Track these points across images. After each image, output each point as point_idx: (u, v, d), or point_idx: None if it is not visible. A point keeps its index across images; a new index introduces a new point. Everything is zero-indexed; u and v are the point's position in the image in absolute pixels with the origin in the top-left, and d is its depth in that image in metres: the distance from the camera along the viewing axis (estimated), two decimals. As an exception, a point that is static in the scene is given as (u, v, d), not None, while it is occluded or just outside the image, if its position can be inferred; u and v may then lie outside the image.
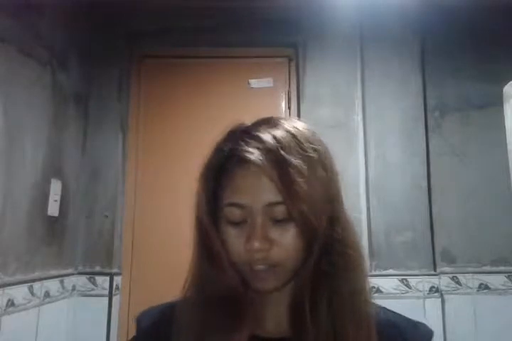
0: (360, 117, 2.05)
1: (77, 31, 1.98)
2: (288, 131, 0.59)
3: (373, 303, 0.63)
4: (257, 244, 0.55)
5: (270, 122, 0.61)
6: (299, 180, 0.55)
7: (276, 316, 0.63)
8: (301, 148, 0.58)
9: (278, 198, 0.55)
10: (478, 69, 2.07)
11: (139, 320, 0.69)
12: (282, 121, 0.62)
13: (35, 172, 1.61)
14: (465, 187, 1.99)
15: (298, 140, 0.58)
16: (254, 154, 0.55)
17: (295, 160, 0.56)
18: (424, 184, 1.98)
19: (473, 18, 2.05)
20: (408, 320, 0.64)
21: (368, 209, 1.96)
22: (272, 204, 0.56)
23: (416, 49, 2.09)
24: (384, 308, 0.65)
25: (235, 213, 0.58)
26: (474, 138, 2.04)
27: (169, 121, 2.12)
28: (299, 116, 2.07)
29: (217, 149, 0.61)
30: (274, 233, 0.56)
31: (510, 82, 2.04)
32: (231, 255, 0.58)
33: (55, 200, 1.73)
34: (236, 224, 0.58)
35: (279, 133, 0.58)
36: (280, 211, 0.56)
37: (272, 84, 2.14)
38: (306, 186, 0.55)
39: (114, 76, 2.09)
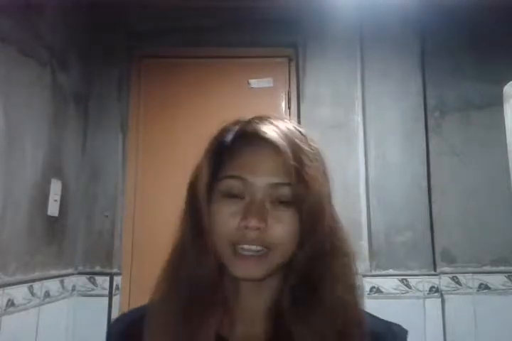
0: (360, 117, 2.05)
1: (77, 31, 1.97)
2: (295, 127, 0.60)
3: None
4: (253, 221, 0.52)
5: (278, 117, 0.62)
6: (311, 165, 0.55)
7: (250, 316, 0.59)
8: (307, 143, 0.58)
9: (285, 179, 0.54)
10: (478, 69, 2.07)
11: (110, 327, 0.67)
12: (285, 119, 0.62)
13: (35, 172, 1.61)
14: (465, 187, 1.99)
15: (304, 136, 0.59)
16: (271, 133, 0.55)
17: (307, 149, 0.56)
18: (424, 184, 1.98)
19: (473, 18, 2.05)
20: (386, 324, 0.62)
21: (368, 209, 1.96)
22: (277, 185, 0.54)
23: (416, 49, 2.09)
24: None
25: (235, 186, 0.55)
26: (474, 138, 2.03)
27: (169, 121, 2.12)
28: (299, 116, 2.07)
29: (225, 129, 0.60)
30: (273, 215, 0.54)
31: (510, 82, 2.04)
32: (218, 233, 0.55)
33: (55, 200, 1.73)
34: (232, 198, 0.55)
35: (288, 125, 0.59)
36: (285, 193, 0.54)
37: (271, 84, 2.14)
38: (315, 172, 0.55)
39: (114, 76, 2.09)
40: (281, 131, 0.56)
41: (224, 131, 0.60)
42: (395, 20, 2.08)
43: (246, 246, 0.53)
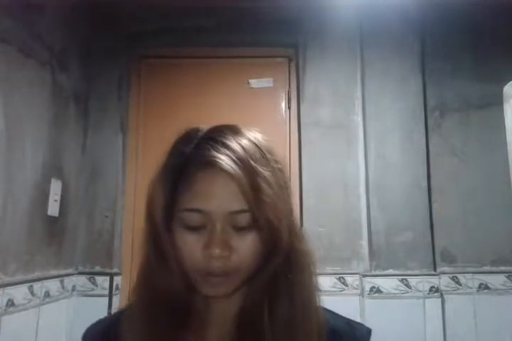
0: (360, 117, 2.05)
1: (77, 31, 1.97)
2: (252, 142, 0.58)
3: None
4: (217, 251, 0.54)
5: (233, 130, 0.60)
6: (267, 190, 0.55)
7: (220, 327, 0.62)
8: (266, 160, 0.58)
9: (243, 206, 0.55)
10: (478, 69, 2.07)
11: (85, 337, 0.68)
12: (243, 130, 0.61)
13: (35, 172, 1.61)
14: (465, 187, 1.99)
15: (262, 151, 0.58)
16: (224, 161, 0.54)
17: (263, 171, 0.56)
18: (424, 184, 1.98)
19: (473, 18, 2.05)
20: (346, 322, 0.65)
21: (368, 209, 1.96)
22: (235, 212, 0.55)
23: (416, 49, 2.09)
24: (323, 309, 0.64)
25: (194, 218, 0.56)
26: (474, 138, 2.03)
27: (169, 121, 2.12)
28: (299, 116, 2.07)
29: (177, 151, 0.60)
30: (235, 240, 0.56)
31: (510, 82, 2.04)
32: (186, 261, 0.57)
33: (55, 200, 1.73)
34: (193, 229, 0.56)
35: (244, 142, 0.58)
36: (244, 219, 0.55)
37: (271, 84, 2.14)
38: (272, 196, 0.55)
39: (114, 76, 2.09)
40: (237, 156, 0.55)
41: (175, 154, 0.60)
42: (395, 20, 2.08)
43: (213, 273, 0.56)
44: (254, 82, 2.13)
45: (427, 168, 2.00)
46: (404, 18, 2.08)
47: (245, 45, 2.14)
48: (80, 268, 1.92)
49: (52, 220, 1.72)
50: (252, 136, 0.60)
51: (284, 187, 0.59)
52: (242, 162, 0.55)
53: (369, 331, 0.64)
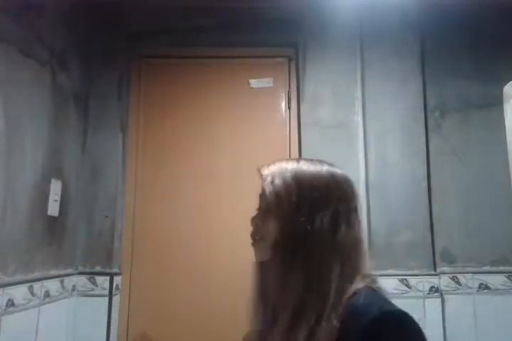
0: (360, 117, 2.05)
1: (77, 31, 1.98)
2: (292, 176, 0.89)
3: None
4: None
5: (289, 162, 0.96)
6: (262, 200, 0.88)
7: None
8: (273, 180, 0.86)
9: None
10: (478, 69, 2.07)
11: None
12: (295, 162, 0.95)
13: (35, 172, 1.61)
14: (465, 187, 1.99)
15: (296, 183, 0.88)
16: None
17: (267, 183, 0.87)
18: (424, 184, 1.98)
19: (473, 18, 2.05)
20: (380, 307, 0.72)
21: (368, 209, 1.96)
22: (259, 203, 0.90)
23: (416, 49, 2.10)
24: (366, 293, 0.77)
25: None
26: (474, 138, 2.03)
27: (169, 121, 2.12)
28: (299, 116, 2.07)
29: None
30: (256, 218, 0.89)
31: (510, 82, 2.04)
32: None
33: (55, 200, 1.73)
34: None
35: (274, 168, 0.91)
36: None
37: (271, 84, 2.14)
38: (264, 203, 0.87)
39: (114, 76, 2.09)
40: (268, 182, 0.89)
41: None
42: (395, 20, 2.08)
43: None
44: (254, 82, 2.13)
45: (427, 168, 2.00)
46: (404, 18, 2.08)
47: (245, 45, 2.14)
48: (80, 268, 1.92)
49: (52, 220, 1.72)
50: (295, 170, 0.91)
51: (285, 191, 0.85)
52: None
53: (374, 319, 0.67)
